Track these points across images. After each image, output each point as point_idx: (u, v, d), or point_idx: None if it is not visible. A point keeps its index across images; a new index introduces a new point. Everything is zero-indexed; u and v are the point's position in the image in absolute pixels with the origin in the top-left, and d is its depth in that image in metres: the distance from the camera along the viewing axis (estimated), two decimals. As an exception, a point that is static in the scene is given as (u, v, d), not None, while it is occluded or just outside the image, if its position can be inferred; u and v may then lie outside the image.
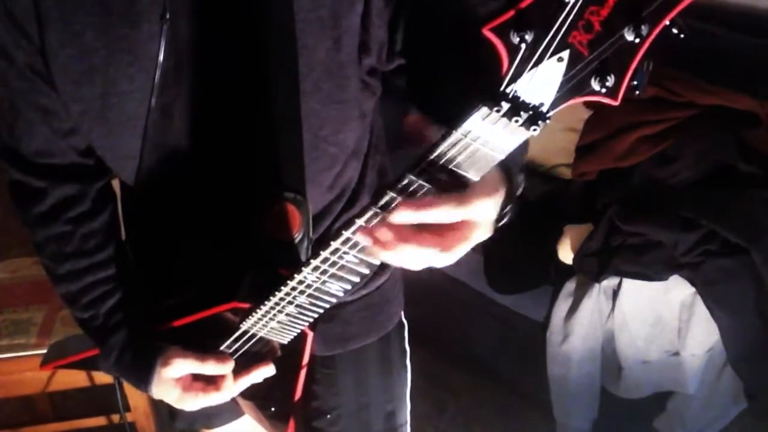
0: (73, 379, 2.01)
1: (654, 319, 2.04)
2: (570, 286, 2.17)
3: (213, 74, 0.93)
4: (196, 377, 1.07)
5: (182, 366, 1.04)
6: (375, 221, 0.73)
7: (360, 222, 0.73)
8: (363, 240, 0.76)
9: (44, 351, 1.57)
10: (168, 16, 0.87)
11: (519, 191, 0.81)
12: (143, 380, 1.06)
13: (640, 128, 2.17)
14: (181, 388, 1.06)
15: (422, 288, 2.29)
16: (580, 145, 2.33)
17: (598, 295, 2.09)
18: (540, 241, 2.21)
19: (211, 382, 1.07)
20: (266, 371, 1.09)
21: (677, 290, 1.98)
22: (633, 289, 2.03)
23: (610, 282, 2.07)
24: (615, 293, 2.08)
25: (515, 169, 0.79)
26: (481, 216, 0.73)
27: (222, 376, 1.07)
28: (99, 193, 1.07)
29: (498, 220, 0.78)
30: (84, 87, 0.91)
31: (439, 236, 0.73)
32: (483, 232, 0.75)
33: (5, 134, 1.00)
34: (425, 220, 0.70)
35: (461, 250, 0.75)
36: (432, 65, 0.90)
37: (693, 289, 1.95)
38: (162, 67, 0.89)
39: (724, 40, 2.18)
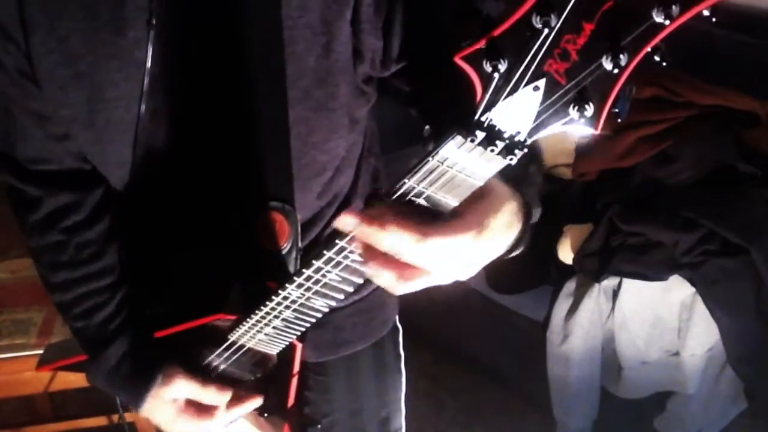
0: (73, 379, 1.99)
1: (654, 319, 2.03)
2: (570, 286, 2.16)
3: (200, 81, 0.92)
4: (190, 401, 1.06)
5: (184, 387, 1.03)
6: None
7: (342, 243, 0.72)
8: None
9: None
10: (154, 22, 0.85)
11: (536, 218, 0.75)
12: (137, 394, 1.04)
13: (640, 128, 2.16)
14: (175, 410, 1.05)
15: (422, 288, 2.28)
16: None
17: (598, 295, 2.08)
18: (540, 241, 2.20)
19: (204, 409, 1.06)
20: (255, 403, 1.12)
21: (677, 290, 1.97)
22: (633, 289, 2.03)
23: (610, 282, 2.06)
24: (615, 293, 2.07)
25: (529, 198, 0.73)
26: (444, 258, 0.66)
27: (216, 406, 1.06)
28: (97, 203, 1.06)
29: (508, 251, 0.73)
30: (71, 92, 0.90)
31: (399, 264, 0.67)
32: (453, 273, 0.68)
33: (1, 142, 0.99)
34: (378, 244, 0.65)
35: (420, 283, 0.69)
36: (430, 73, 0.87)
37: (693, 289, 1.95)
38: (149, 73, 0.88)
39: (723, 40, 2.16)
